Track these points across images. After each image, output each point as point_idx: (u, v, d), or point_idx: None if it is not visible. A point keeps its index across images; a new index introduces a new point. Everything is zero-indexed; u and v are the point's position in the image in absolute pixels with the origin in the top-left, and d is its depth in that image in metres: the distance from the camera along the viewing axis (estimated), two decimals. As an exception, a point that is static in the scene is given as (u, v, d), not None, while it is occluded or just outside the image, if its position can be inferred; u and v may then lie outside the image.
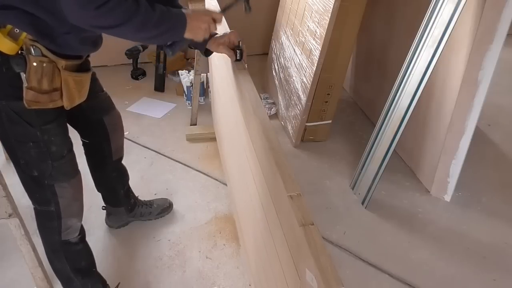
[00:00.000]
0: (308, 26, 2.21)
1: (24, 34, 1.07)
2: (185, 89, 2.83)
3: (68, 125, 1.34)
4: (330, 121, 2.45)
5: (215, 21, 1.20)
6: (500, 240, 1.89)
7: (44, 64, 1.10)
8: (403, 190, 2.17)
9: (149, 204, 1.94)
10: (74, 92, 1.20)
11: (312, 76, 2.15)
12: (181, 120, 2.69)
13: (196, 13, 1.16)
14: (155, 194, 2.08)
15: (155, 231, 1.90)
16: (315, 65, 2.11)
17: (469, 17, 1.69)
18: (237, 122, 1.37)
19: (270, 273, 1.09)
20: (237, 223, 1.82)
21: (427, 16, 1.73)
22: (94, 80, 1.39)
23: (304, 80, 2.25)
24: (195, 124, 2.61)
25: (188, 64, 3.28)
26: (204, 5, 2.10)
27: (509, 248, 1.85)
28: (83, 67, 1.25)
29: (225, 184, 2.15)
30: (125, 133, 1.69)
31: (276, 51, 2.78)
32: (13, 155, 1.25)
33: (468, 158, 1.99)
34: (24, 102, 1.10)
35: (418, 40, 1.77)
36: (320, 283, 0.64)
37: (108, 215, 1.89)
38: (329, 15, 1.96)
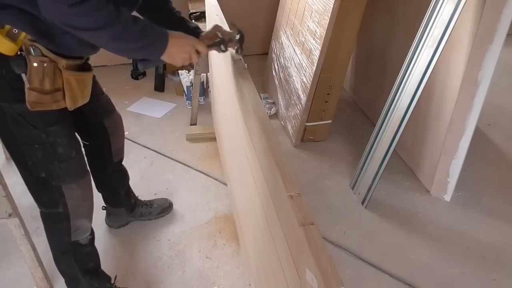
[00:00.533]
0: (308, 26, 2.21)
1: (23, 34, 1.05)
2: (185, 89, 2.83)
3: None
4: (330, 121, 2.45)
5: (198, 52, 1.17)
6: (500, 240, 1.89)
7: (45, 64, 1.09)
8: (403, 190, 2.17)
9: (149, 204, 1.94)
10: (76, 92, 1.19)
11: (312, 76, 2.15)
12: (181, 120, 2.69)
13: (180, 39, 1.13)
14: (155, 194, 2.08)
15: (155, 231, 1.90)
16: (315, 65, 2.11)
17: (469, 17, 1.69)
18: (237, 122, 1.37)
19: (270, 273, 1.09)
20: (237, 223, 1.82)
21: (427, 16, 1.73)
22: (94, 83, 1.38)
23: (304, 80, 2.25)
24: (195, 124, 2.61)
25: (188, 64, 3.28)
26: (204, 5, 2.10)
27: (509, 248, 1.85)
28: (85, 67, 1.24)
29: (225, 184, 2.15)
30: (125, 133, 1.69)
31: (276, 51, 2.78)
32: (19, 158, 1.24)
33: (468, 158, 1.99)
34: (27, 104, 1.09)
35: (418, 40, 1.77)
36: (320, 282, 0.64)
37: (108, 215, 1.89)
38: (329, 15, 1.96)
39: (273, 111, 2.75)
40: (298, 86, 2.34)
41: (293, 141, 2.46)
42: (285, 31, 2.61)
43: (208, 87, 2.84)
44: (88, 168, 1.58)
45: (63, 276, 1.51)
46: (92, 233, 1.46)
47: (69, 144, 1.25)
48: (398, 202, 2.09)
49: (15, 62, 1.07)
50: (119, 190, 1.77)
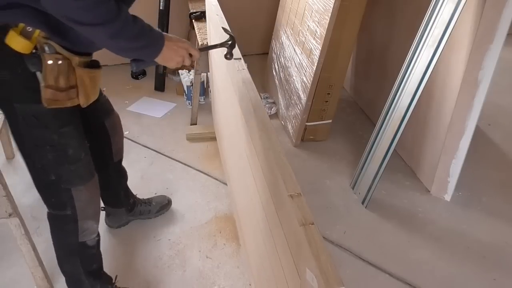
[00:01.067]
0: (308, 25, 2.21)
1: (37, 32, 1.05)
2: (185, 89, 2.83)
3: None
4: (330, 121, 2.45)
5: (191, 56, 1.19)
6: (500, 240, 1.89)
7: (59, 62, 1.09)
8: (403, 189, 2.17)
9: (148, 202, 1.94)
10: (89, 89, 1.19)
11: (312, 75, 2.15)
12: (181, 119, 2.69)
13: (175, 43, 1.14)
14: (155, 193, 2.08)
15: (155, 230, 1.90)
16: (315, 64, 2.11)
17: (469, 17, 1.69)
18: (237, 122, 1.37)
19: (270, 272, 1.09)
20: (237, 222, 1.82)
21: (427, 16, 1.73)
22: None
23: (304, 79, 2.25)
24: (195, 124, 2.60)
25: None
26: (204, 4, 2.10)
27: (509, 248, 1.85)
28: (94, 64, 1.23)
29: (225, 184, 2.15)
30: (125, 133, 1.69)
31: (276, 51, 2.78)
32: (29, 160, 1.23)
33: (468, 158, 1.99)
34: (43, 101, 1.09)
35: (418, 40, 1.77)
36: (321, 282, 0.64)
37: (107, 215, 1.88)
38: (329, 15, 1.96)
39: (273, 110, 2.75)
40: (298, 86, 2.34)
41: (293, 141, 2.46)
42: (285, 31, 2.61)
43: (209, 86, 2.84)
44: None
45: (66, 277, 1.50)
46: (99, 234, 1.46)
47: (79, 146, 1.26)
48: (398, 202, 2.09)
49: (30, 61, 1.06)
50: (119, 191, 1.78)
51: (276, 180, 0.88)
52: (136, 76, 3.13)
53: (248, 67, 1.31)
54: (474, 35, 1.69)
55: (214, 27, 1.75)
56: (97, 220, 1.41)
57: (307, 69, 2.21)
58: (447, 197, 2.10)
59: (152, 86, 3.04)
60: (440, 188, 2.10)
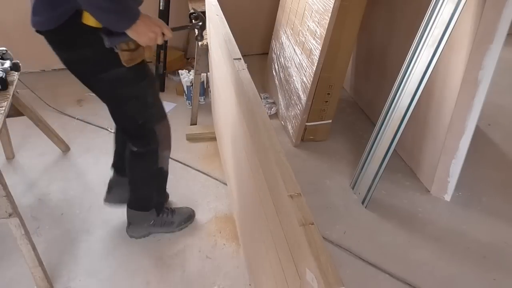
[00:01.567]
0: (308, 25, 2.21)
1: None
2: (185, 89, 2.83)
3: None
4: (330, 121, 2.45)
5: (163, 34, 1.30)
6: (500, 240, 1.89)
7: None
8: (403, 189, 2.17)
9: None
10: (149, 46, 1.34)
11: (312, 75, 2.15)
12: (181, 119, 2.69)
13: (150, 19, 1.24)
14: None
15: (155, 231, 1.90)
16: (315, 64, 2.11)
17: (469, 17, 1.69)
18: (237, 122, 1.37)
19: (270, 273, 1.09)
20: (237, 222, 1.82)
21: (427, 16, 1.73)
22: None
23: (304, 79, 2.25)
24: (195, 124, 2.60)
25: (188, 64, 3.28)
26: (204, 4, 2.10)
27: (509, 248, 1.85)
28: None
29: (225, 184, 2.15)
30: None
31: (276, 51, 2.78)
32: (120, 115, 1.48)
33: (468, 158, 1.99)
34: (124, 62, 1.27)
35: (418, 40, 1.77)
36: (321, 282, 0.64)
37: (110, 188, 1.89)
38: (329, 15, 1.96)
39: (273, 111, 2.75)
40: (298, 86, 2.34)
41: (293, 141, 2.46)
42: (285, 31, 2.61)
43: (208, 87, 2.84)
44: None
45: (136, 200, 1.74)
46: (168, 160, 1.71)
47: (154, 93, 1.51)
48: (398, 202, 2.09)
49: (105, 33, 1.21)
50: None
51: (276, 180, 0.88)
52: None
53: (248, 67, 1.31)
54: (474, 35, 1.69)
55: (214, 27, 1.75)
56: (170, 149, 1.67)
57: (307, 69, 2.21)
58: (447, 197, 2.10)
59: (152, 86, 3.04)
60: (440, 188, 2.10)
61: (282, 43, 2.65)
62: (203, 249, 1.81)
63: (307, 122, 2.39)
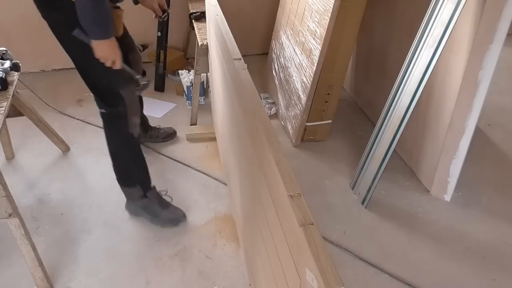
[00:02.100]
0: (308, 26, 2.21)
1: None
2: (185, 89, 2.83)
3: None
4: (330, 121, 2.45)
5: (114, 63, 1.49)
6: (500, 240, 1.89)
7: None
8: (403, 190, 2.17)
9: (157, 129, 2.44)
10: (117, 24, 1.52)
11: (312, 76, 2.15)
12: (181, 120, 2.69)
13: (114, 47, 1.46)
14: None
15: (155, 230, 1.90)
16: (315, 65, 2.11)
17: (469, 17, 1.69)
18: (237, 122, 1.37)
19: (270, 273, 1.09)
20: (237, 222, 1.82)
21: (427, 16, 1.73)
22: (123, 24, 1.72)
23: (304, 80, 2.25)
24: (195, 124, 2.60)
25: (188, 64, 3.28)
26: (204, 5, 2.10)
27: (509, 248, 1.85)
28: (117, 8, 1.57)
29: (225, 184, 2.15)
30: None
31: (276, 51, 2.78)
32: (86, 73, 1.58)
33: (468, 158, 1.99)
34: None
35: (418, 40, 1.77)
36: (320, 283, 0.64)
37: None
38: (329, 15, 1.96)
39: (273, 111, 2.75)
40: (298, 86, 2.34)
41: (293, 141, 2.46)
42: (285, 31, 2.61)
43: (208, 87, 2.84)
44: None
45: (117, 172, 1.83)
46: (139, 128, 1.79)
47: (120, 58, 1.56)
48: (398, 202, 2.10)
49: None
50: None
51: (276, 180, 0.88)
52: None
53: (248, 67, 1.31)
54: (474, 35, 1.69)
55: (214, 28, 1.75)
56: (139, 117, 1.76)
57: (307, 69, 2.21)
58: (447, 197, 2.10)
59: (152, 86, 3.04)
60: (440, 188, 2.10)
61: (282, 43, 2.65)
62: (203, 249, 1.81)
63: (307, 122, 2.39)
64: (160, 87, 3.03)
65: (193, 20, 2.50)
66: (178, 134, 2.54)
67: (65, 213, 1.98)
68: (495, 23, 1.64)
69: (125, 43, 1.73)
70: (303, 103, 2.28)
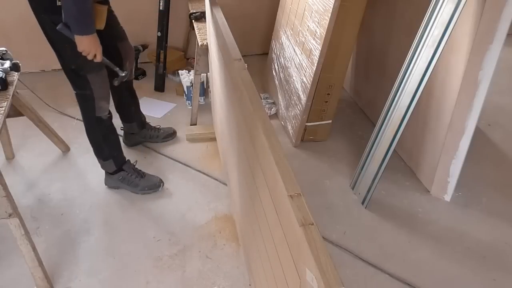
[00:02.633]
0: (308, 26, 2.21)
1: None
2: (185, 89, 2.83)
3: None
4: (330, 121, 2.45)
5: (95, 57, 1.64)
6: (500, 240, 1.89)
7: None
8: (403, 190, 2.17)
9: (157, 129, 2.45)
10: (95, 18, 1.60)
11: (312, 76, 2.15)
12: (181, 120, 2.69)
13: (96, 41, 1.60)
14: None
15: (155, 230, 1.90)
16: (315, 65, 2.11)
17: (469, 17, 1.69)
18: (237, 122, 1.37)
19: (270, 273, 1.09)
20: (237, 223, 1.82)
21: (427, 16, 1.73)
22: (113, 16, 1.87)
23: (304, 80, 2.25)
24: (195, 124, 2.61)
25: (188, 64, 3.28)
26: (204, 5, 2.10)
27: (509, 248, 1.85)
28: (102, 2, 1.66)
29: (225, 184, 2.15)
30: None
31: (276, 51, 2.78)
32: (58, 54, 1.70)
33: (468, 158, 1.99)
34: (63, 20, 1.52)
35: (418, 40, 1.77)
36: (320, 282, 0.64)
37: (125, 134, 2.37)
38: (329, 15, 1.96)
39: (273, 111, 2.75)
40: (298, 86, 2.34)
41: (293, 141, 2.46)
42: (285, 31, 2.61)
43: (208, 87, 2.84)
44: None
45: (92, 146, 1.99)
46: (110, 113, 1.93)
47: None
48: (398, 202, 2.10)
49: None
50: (130, 107, 2.25)
51: (276, 180, 0.88)
52: (136, 76, 3.13)
53: (248, 68, 1.31)
54: (474, 35, 1.69)
55: (214, 28, 1.75)
56: (108, 101, 1.88)
57: (307, 69, 2.21)
58: (447, 197, 2.10)
59: (152, 87, 3.04)
60: (440, 188, 2.10)
61: (282, 43, 2.65)
62: (203, 249, 1.81)
63: (307, 122, 2.39)
64: (160, 87, 3.03)
65: (193, 20, 2.51)
66: (178, 134, 2.54)
67: (65, 213, 1.99)
68: (495, 23, 1.64)
69: (113, 34, 1.89)
70: (303, 103, 2.28)
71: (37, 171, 2.23)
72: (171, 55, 3.11)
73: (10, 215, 1.42)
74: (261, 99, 2.32)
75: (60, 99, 2.80)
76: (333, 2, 1.92)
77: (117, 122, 2.11)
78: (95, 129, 1.93)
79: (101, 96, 1.82)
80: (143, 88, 3.03)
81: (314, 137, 2.50)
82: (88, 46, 1.59)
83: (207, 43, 2.16)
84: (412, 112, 1.81)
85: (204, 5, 2.11)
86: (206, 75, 2.82)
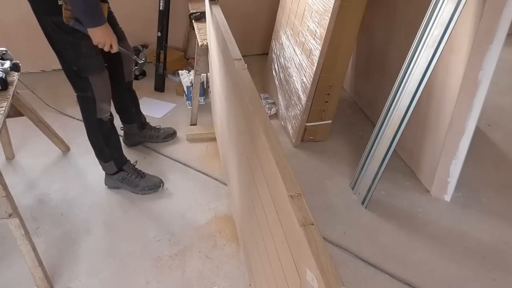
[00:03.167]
0: (308, 26, 2.21)
1: None
2: (185, 89, 2.83)
3: None
4: (330, 121, 2.45)
5: (111, 47, 1.67)
6: (500, 240, 1.89)
7: None
8: (403, 190, 2.17)
9: (157, 129, 2.45)
10: None
11: (312, 76, 2.15)
12: (181, 120, 2.69)
13: (108, 31, 1.63)
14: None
15: (155, 230, 1.90)
16: (315, 65, 2.11)
17: (469, 17, 1.69)
18: (237, 122, 1.37)
19: (270, 273, 1.09)
20: (237, 223, 1.82)
21: (427, 16, 1.73)
22: (112, 17, 1.85)
23: (304, 80, 2.25)
24: (195, 124, 2.61)
25: (188, 64, 3.28)
26: (204, 5, 2.10)
27: (509, 248, 1.85)
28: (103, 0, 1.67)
29: (225, 184, 2.15)
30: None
31: (276, 51, 2.78)
32: (59, 56, 1.70)
33: (468, 158, 1.99)
34: (64, 18, 1.54)
35: (418, 40, 1.77)
36: (321, 282, 0.64)
37: (125, 134, 2.37)
38: (329, 15, 1.96)
39: (273, 111, 2.75)
40: (298, 86, 2.34)
41: (293, 141, 2.46)
42: (285, 31, 2.61)
43: (208, 87, 2.84)
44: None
45: (93, 148, 1.99)
46: (111, 115, 1.94)
47: (90, 46, 1.66)
48: (398, 202, 2.10)
49: None
50: (131, 108, 2.25)
51: (276, 180, 0.88)
52: (136, 76, 3.13)
53: (248, 68, 1.31)
54: (474, 35, 1.69)
55: (214, 28, 1.75)
56: (109, 103, 1.89)
57: (307, 69, 2.21)
58: (447, 197, 2.10)
59: (152, 87, 3.04)
60: (440, 188, 2.10)
61: (282, 43, 2.66)
62: (203, 249, 1.81)
63: (307, 122, 2.39)
64: (160, 87, 3.03)
65: (193, 20, 2.51)
66: (178, 134, 2.54)
67: (65, 213, 1.99)
68: (495, 23, 1.65)
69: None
70: (303, 103, 2.28)
71: (37, 171, 2.23)
72: (171, 55, 3.11)
73: (10, 215, 1.42)
74: (261, 99, 2.32)
75: (60, 99, 2.80)
76: (333, 2, 1.92)
77: (117, 122, 2.11)
78: (96, 131, 1.93)
79: (102, 98, 1.82)
80: (143, 88, 3.03)
81: (314, 137, 2.50)
82: (103, 37, 1.61)
83: (207, 43, 2.16)
84: (412, 112, 1.81)
85: (204, 5, 2.11)
86: (206, 75, 2.82)
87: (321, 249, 0.69)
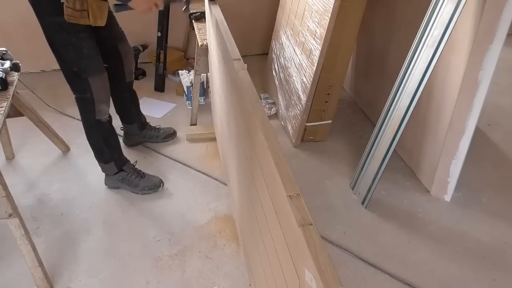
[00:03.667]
0: (308, 26, 2.21)
1: None
2: (185, 89, 2.83)
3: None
4: (330, 121, 2.45)
5: (156, 5, 1.67)
6: (500, 240, 1.89)
7: None
8: (403, 190, 2.17)
9: (157, 129, 2.45)
10: (96, 14, 1.62)
11: (312, 76, 2.15)
12: (181, 120, 2.69)
13: None
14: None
15: (155, 231, 1.90)
16: (315, 65, 2.11)
17: (469, 17, 1.69)
18: (237, 122, 1.37)
19: (269, 273, 1.09)
20: (237, 223, 1.82)
21: (427, 16, 1.73)
22: (111, 17, 1.85)
23: (304, 80, 2.25)
24: (195, 124, 2.61)
25: (188, 64, 3.28)
26: (204, 5, 2.10)
27: (509, 248, 1.85)
28: None
29: (225, 184, 2.15)
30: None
31: (276, 51, 2.78)
32: (59, 57, 1.70)
33: (468, 158, 1.99)
34: (65, 16, 1.55)
35: (418, 40, 1.77)
36: (319, 283, 0.64)
37: (125, 134, 2.38)
38: (329, 15, 1.96)
39: (273, 111, 2.75)
40: (298, 86, 2.34)
41: (293, 141, 2.46)
42: (285, 31, 2.61)
43: (208, 87, 2.84)
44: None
45: (93, 149, 1.99)
46: (110, 116, 1.94)
47: (92, 47, 1.70)
48: (398, 202, 2.09)
49: None
50: (131, 108, 2.25)
51: (275, 180, 0.88)
52: (136, 76, 3.13)
53: (248, 68, 1.31)
54: (474, 35, 1.69)
55: (214, 28, 1.75)
56: (108, 104, 1.89)
57: (307, 69, 2.21)
58: (447, 197, 2.10)
59: (152, 87, 3.05)
60: (440, 188, 2.10)
61: (282, 43, 2.65)
62: (203, 249, 1.81)
63: (307, 122, 2.39)
64: (160, 87, 3.03)
65: (193, 20, 2.50)
66: (178, 134, 2.54)
67: (65, 213, 1.99)
68: (495, 23, 1.64)
69: (112, 35, 1.91)
70: (303, 103, 2.28)
71: (37, 171, 2.23)
72: (171, 55, 3.11)
73: (10, 215, 1.42)
74: (261, 99, 2.32)
75: (60, 99, 2.80)
76: (333, 2, 1.92)
77: (116, 122, 2.11)
78: (95, 133, 1.93)
79: (101, 99, 1.82)
80: (143, 88, 3.04)
81: (314, 137, 2.50)
82: (146, 2, 1.64)
83: (207, 43, 2.16)
84: (412, 112, 1.81)
85: (204, 5, 2.11)
86: (206, 75, 2.82)
87: (320, 250, 0.68)
